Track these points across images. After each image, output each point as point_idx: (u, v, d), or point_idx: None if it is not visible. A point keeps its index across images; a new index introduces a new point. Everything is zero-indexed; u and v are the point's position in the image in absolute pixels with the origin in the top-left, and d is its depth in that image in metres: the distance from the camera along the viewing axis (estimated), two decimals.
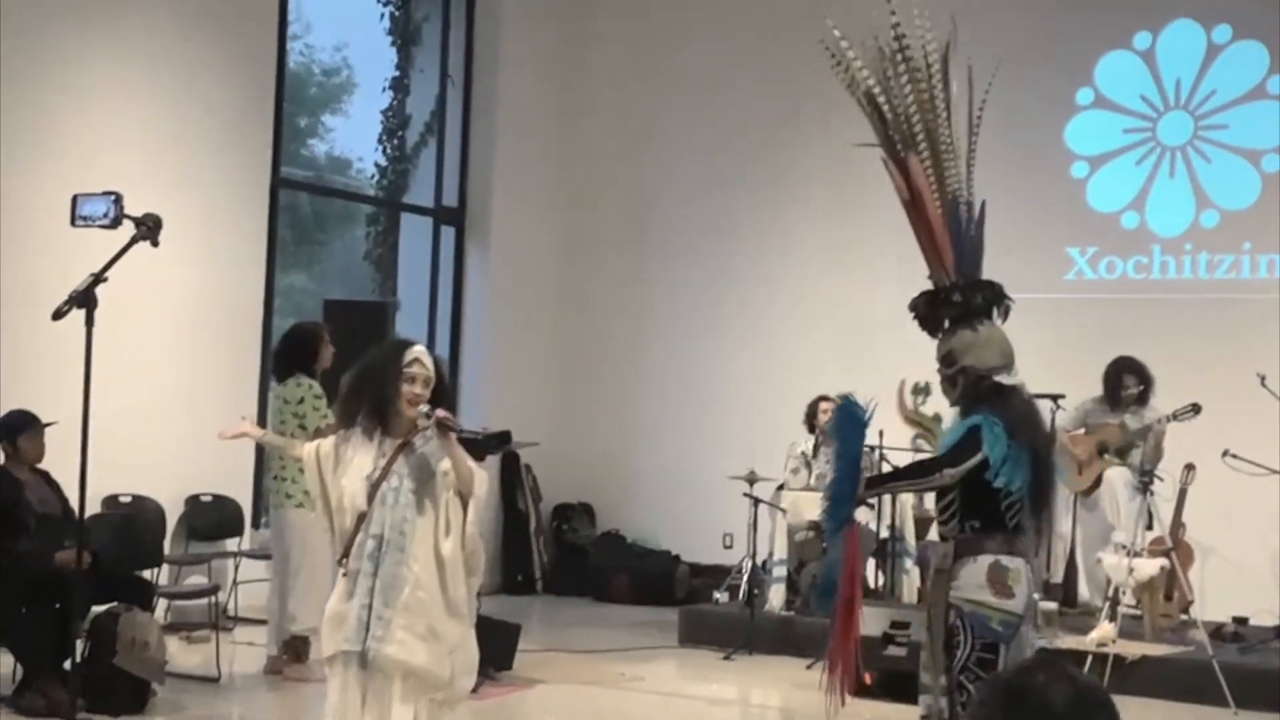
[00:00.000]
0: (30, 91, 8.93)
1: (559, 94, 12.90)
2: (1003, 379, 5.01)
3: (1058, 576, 9.72)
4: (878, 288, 11.03)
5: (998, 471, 4.78)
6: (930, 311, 5.17)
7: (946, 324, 5.12)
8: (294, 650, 8.21)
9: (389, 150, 12.44)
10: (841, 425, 5.15)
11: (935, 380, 5.23)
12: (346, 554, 5.12)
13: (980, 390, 4.98)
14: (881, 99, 5.09)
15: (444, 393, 5.31)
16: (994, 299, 5.18)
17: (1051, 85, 11.32)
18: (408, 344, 5.29)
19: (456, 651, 5.16)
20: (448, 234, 12.50)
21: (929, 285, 5.23)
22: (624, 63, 12.82)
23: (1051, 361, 10.16)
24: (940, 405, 5.46)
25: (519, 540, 12.36)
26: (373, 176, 12.72)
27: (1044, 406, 9.60)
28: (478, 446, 9.69)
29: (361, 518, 5.10)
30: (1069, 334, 10.84)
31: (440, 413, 5.06)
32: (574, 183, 12.92)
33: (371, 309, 10.72)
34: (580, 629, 10.34)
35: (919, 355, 5.33)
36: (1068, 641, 8.54)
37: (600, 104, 12.91)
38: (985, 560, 4.80)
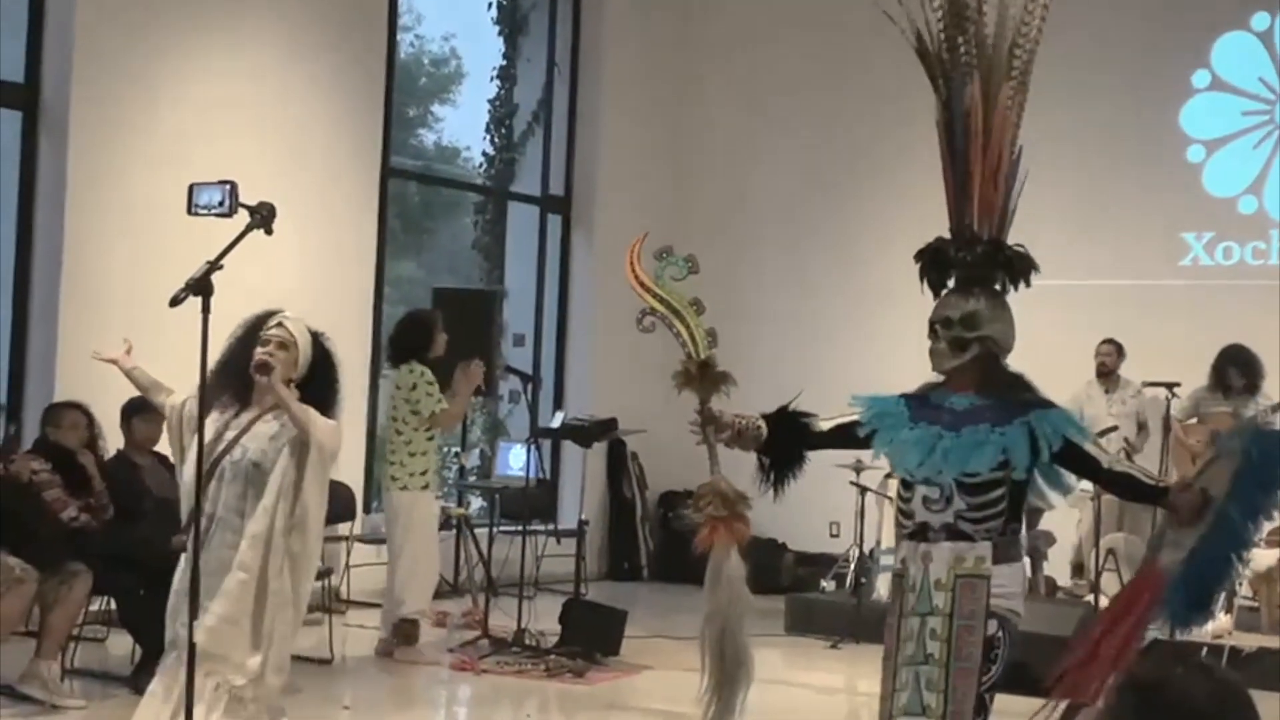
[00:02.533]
0: (147, 84, 9.11)
1: (665, 82, 12.89)
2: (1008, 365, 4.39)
3: None
4: None
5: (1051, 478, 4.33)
6: (951, 264, 4.42)
7: (951, 282, 4.42)
8: (403, 634, 8.31)
9: (496, 139, 12.51)
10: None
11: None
12: (185, 532, 4.78)
13: (1012, 373, 4.36)
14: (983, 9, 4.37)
15: (320, 375, 4.96)
16: (1025, 273, 4.42)
17: (1167, 68, 11.13)
18: (274, 311, 5.00)
19: (271, 645, 4.72)
20: (554, 222, 12.55)
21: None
22: (731, 52, 12.78)
23: (1166, 349, 10.01)
24: (699, 293, 4.58)
25: (625, 527, 12.40)
26: (480, 165, 12.80)
27: (1158, 395, 9.48)
28: (585, 434, 9.81)
29: (198, 494, 4.67)
30: (1184, 320, 10.64)
31: (258, 355, 4.75)
32: (679, 171, 12.91)
33: (479, 297, 10.80)
34: (686, 615, 10.23)
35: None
36: (1182, 633, 8.39)
37: (706, 92, 12.88)
38: (1019, 566, 4.30)
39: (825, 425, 4.54)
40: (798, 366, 12.21)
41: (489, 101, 12.50)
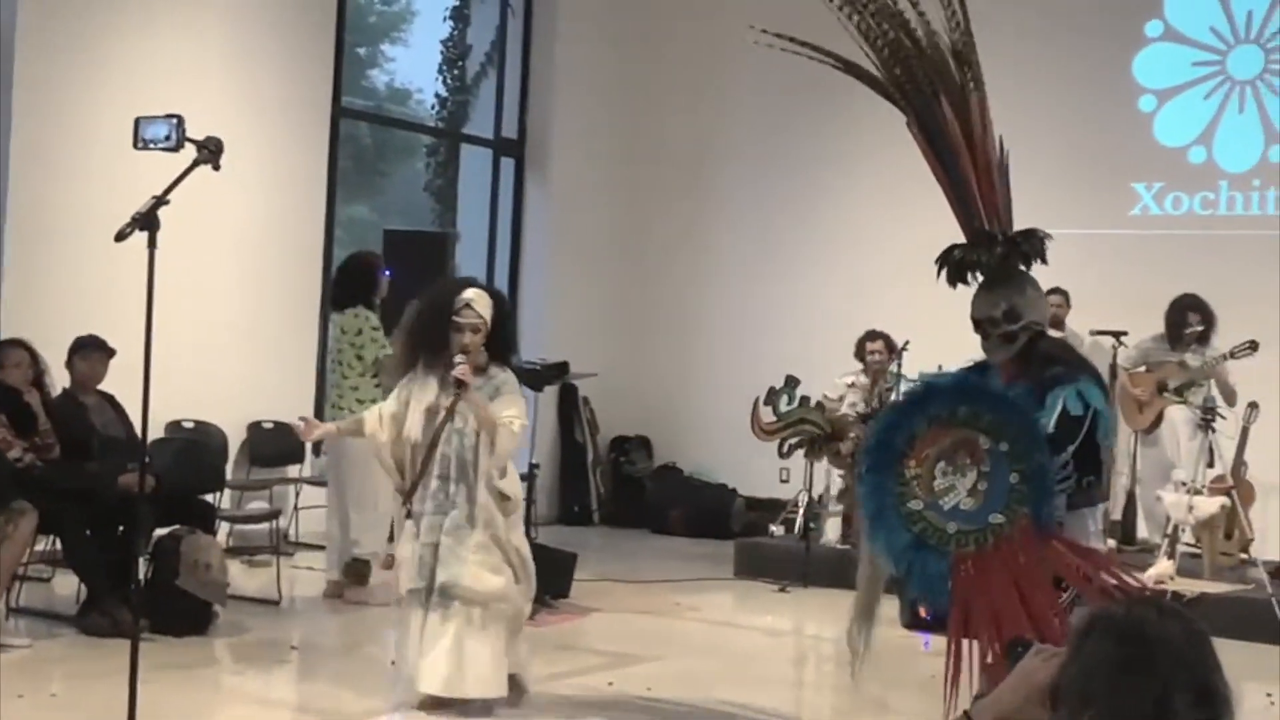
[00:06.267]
0: (93, 16, 8.97)
1: (620, 25, 12.80)
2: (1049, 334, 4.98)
3: (1116, 513, 9.66)
4: (937, 220, 10.91)
5: (1105, 430, 4.73)
6: (973, 267, 4.88)
7: (977, 275, 4.88)
8: (355, 573, 8.31)
9: (449, 81, 12.43)
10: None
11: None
12: (412, 494, 5.39)
13: (1046, 348, 4.86)
14: (920, 35, 4.87)
15: (504, 331, 5.48)
16: (1042, 253, 4.89)
17: (1120, 17, 11.13)
18: (460, 287, 5.45)
19: (522, 582, 5.60)
20: (507, 165, 12.48)
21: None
22: None
23: (1114, 298, 10.08)
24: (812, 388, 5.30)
25: (576, 472, 12.42)
26: (433, 107, 12.73)
27: (1106, 344, 9.55)
28: (537, 377, 9.80)
29: (425, 459, 5.33)
30: (1133, 270, 10.72)
31: (456, 370, 5.25)
32: (634, 115, 12.84)
33: (431, 240, 10.76)
34: (636, 560, 10.40)
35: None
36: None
37: (662, 36, 12.79)
38: (1099, 510, 4.84)
39: None
40: (761, 308, 12.24)
41: (441, 42, 12.41)
